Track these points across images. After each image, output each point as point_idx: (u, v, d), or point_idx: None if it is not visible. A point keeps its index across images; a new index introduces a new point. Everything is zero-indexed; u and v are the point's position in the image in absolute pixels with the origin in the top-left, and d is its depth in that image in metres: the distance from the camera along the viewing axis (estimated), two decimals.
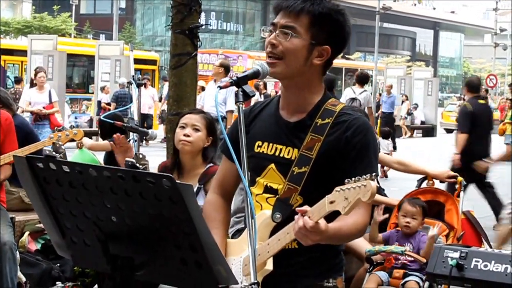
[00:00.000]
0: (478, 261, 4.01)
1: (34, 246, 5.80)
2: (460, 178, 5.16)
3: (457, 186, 5.16)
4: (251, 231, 2.44)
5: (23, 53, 23.36)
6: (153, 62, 28.35)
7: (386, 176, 14.24)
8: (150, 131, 5.56)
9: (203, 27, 6.49)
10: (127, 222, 2.22)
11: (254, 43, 59.14)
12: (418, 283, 4.62)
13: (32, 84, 14.29)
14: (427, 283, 4.52)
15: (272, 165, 2.76)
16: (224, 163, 2.95)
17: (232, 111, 10.55)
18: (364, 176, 2.37)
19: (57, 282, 5.46)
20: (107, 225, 2.25)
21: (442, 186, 5.48)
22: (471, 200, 8.48)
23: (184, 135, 4.22)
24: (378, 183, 4.44)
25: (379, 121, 21.23)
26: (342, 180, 2.44)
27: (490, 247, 5.18)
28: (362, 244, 4.75)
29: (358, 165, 2.65)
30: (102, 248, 2.28)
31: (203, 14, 6.85)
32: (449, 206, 5.05)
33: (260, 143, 2.80)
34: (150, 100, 20.38)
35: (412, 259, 4.69)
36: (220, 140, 4.46)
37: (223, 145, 2.85)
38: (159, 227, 2.19)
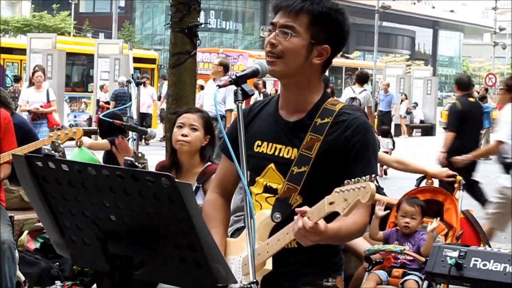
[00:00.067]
0: (477, 260, 4.00)
1: (33, 245, 5.79)
2: (459, 177, 5.16)
3: (456, 185, 5.16)
4: (250, 231, 2.44)
5: (22, 51, 23.36)
6: (152, 60, 28.32)
7: (385, 174, 14.25)
8: (149, 130, 5.56)
9: (203, 25, 6.48)
10: (126, 221, 2.22)
11: (253, 42, 59.10)
12: (417, 282, 4.61)
13: (31, 83, 14.27)
14: (426, 282, 4.51)
15: (272, 165, 2.76)
16: (224, 162, 2.95)
17: (231, 110, 10.55)
18: (364, 178, 2.37)
19: (56, 281, 5.45)
20: (106, 224, 2.25)
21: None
22: (470, 199, 8.48)
23: (182, 135, 4.22)
24: (377, 182, 4.43)
25: (376, 119, 21.21)
26: (341, 180, 2.44)
27: (489, 246, 5.17)
28: (361, 243, 4.74)
29: (357, 165, 2.65)
30: (101, 247, 2.28)
31: (202, 13, 6.83)
32: (448, 205, 5.04)
33: (259, 142, 2.80)
34: (149, 99, 20.34)
35: (412, 258, 4.68)
36: (219, 139, 4.47)
37: (223, 144, 2.85)
38: (158, 226, 2.18)
